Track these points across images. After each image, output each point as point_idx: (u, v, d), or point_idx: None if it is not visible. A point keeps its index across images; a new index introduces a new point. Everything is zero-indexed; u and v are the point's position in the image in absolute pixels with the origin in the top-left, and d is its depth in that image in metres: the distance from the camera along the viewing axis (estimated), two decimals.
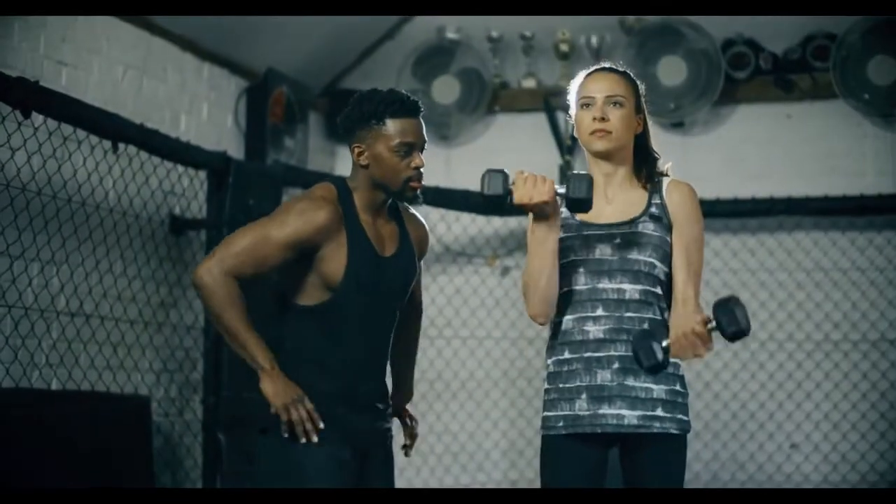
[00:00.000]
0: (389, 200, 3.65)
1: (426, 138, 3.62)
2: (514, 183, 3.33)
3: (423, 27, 7.26)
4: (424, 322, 6.74)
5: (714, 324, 3.21)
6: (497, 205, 3.39)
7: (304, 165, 6.92)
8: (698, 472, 6.59)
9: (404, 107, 3.55)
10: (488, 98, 7.11)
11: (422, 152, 3.58)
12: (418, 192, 3.60)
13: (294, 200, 3.59)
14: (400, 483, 6.66)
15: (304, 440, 3.43)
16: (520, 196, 3.32)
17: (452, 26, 7.14)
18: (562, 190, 3.33)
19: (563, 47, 6.99)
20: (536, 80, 7.13)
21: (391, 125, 3.53)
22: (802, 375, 6.60)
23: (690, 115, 6.77)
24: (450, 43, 7.12)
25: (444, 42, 7.13)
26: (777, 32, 6.79)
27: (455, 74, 7.09)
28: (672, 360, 3.33)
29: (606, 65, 3.57)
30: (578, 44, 6.99)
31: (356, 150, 3.57)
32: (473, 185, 6.41)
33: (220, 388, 5.57)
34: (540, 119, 7.07)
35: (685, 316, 3.31)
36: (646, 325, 3.37)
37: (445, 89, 7.09)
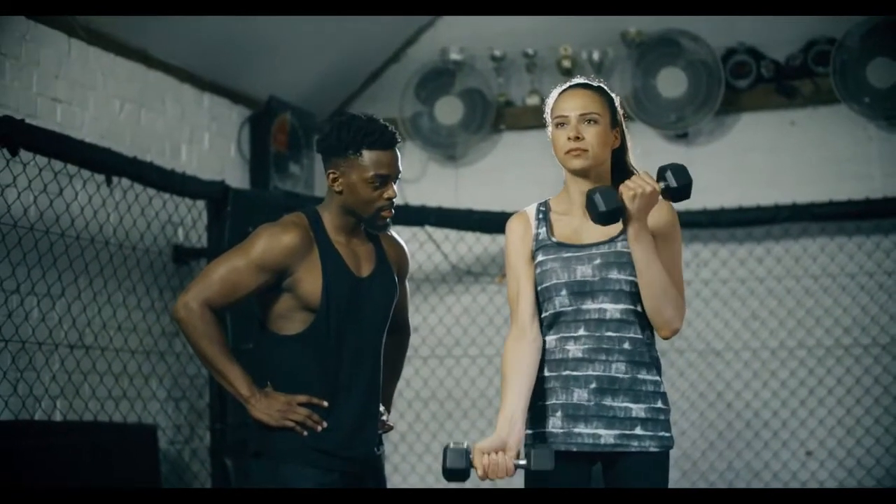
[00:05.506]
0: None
1: (401, 169, 3.66)
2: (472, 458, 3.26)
3: (427, 48, 7.34)
4: (433, 342, 6.88)
5: (663, 184, 3.29)
6: (460, 479, 3.28)
7: (312, 191, 6.98)
8: (713, 482, 6.56)
9: (382, 139, 3.59)
10: (492, 117, 7.15)
11: (395, 182, 3.63)
12: (388, 220, 3.66)
13: (263, 227, 3.64)
14: None
15: (319, 428, 3.52)
16: (480, 474, 3.28)
17: (456, 47, 7.20)
18: (522, 463, 3.26)
19: (566, 63, 7.01)
20: (540, 97, 7.15)
21: (367, 157, 3.57)
22: (814, 381, 6.56)
23: (693, 126, 6.74)
24: (452, 64, 7.17)
25: (447, 64, 7.18)
26: (778, 39, 6.78)
27: (457, 95, 7.14)
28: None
29: (580, 81, 3.51)
30: (580, 59, 7.02)
31: (331, 176, 3.62)
32: (481, 204, 6.55)
33: (226, 413, 5.62)
34: (545, 136, 7.06)
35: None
36: (626, 345, 3.37)
37: (448, 110, 7.14)
